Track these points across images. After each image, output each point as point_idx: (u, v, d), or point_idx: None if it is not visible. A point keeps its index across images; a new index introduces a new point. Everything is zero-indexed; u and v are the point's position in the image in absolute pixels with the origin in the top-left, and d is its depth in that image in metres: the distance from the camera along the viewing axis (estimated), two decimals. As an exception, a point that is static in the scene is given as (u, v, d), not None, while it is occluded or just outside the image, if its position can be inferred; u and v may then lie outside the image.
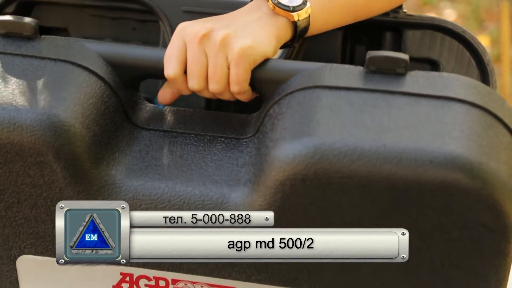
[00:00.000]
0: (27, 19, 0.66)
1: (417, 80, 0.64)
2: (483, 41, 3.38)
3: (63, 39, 0.68)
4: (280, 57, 0.80)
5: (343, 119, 0.60)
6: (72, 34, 0.90)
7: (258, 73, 0.67)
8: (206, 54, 0.67)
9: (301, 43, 0.77)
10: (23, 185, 0.62)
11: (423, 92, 0.62)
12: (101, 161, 0.63)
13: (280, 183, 0.59)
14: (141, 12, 0.87)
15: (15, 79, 0.63)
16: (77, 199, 0.62)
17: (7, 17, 0.66)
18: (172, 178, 0.63)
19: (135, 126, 0.68)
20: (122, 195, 0.62)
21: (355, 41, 0.89)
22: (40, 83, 0.63)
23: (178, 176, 0.63)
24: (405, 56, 0.64)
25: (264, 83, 0.67)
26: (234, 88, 0.67)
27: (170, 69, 0.66)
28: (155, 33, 0.88)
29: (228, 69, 0.67)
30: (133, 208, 0.62)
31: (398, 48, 0.88)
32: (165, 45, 0.86)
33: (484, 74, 0.86)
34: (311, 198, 0.59)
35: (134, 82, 0.69)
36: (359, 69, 0.65)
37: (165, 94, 0.70)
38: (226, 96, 0.68)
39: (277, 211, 0.60)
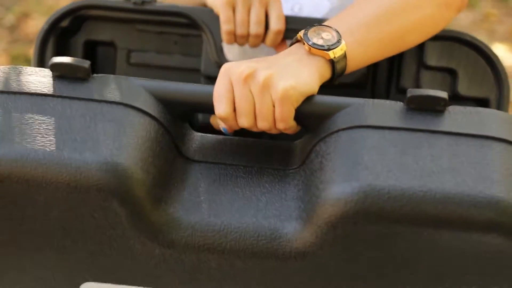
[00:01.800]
0: (81, 62, 0.66)
1: (455, 117, 0.65)
2: None
3: (114, 78, 0.68)
4: None
5: (389, 162, 0.61)
6: (119, 47, 0.94)
7: (302, 108, 0.68)
8: (252, 93, 0.68)
9: None
10: (89, 225, 0.64)
11: (462, 131, 0.63)
12: (160, 201, 0.64)
13: (332, 225, 0.60)
14: (183, 27, 0.92)
15: (74, 123, 0.63)
16: (139, 238, 0.63)
17: (63, 59, 0.66)
18: (226, 213, 0.65)
19: (186, 159, 0.69)
20: (181, 233, 0.64)
21: None
22: (99, 127, 0.63)
23: (232, 211, 0.65)
24: (444, 94, 0.65)
25: (308, 117, 0.68)
26: (280, 125, 0.68)
27: (221, 109, 0.67)
28: (195, 46, 0.93)
29: (274, 107, 0.68)
30: (191, 244, 0.64)
31: (420, 58, 0.91)
32: (207, 57, 0.90)
33: (499, 81, 0.90)
34: (360, 239, 0.61)
35: (183, 116, 0.70)
36: (399, 105, 0.66)
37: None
38: (274, 132, 0.69)
39: (327, 250, 0.62)
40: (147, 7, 0.91)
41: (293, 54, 0.71)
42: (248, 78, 0.67)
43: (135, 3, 0.91)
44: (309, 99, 0.68)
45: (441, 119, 0.64)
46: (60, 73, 0.66)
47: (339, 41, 0.70)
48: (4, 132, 0.62)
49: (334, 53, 0.70)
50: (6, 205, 0.63)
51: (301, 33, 0.71)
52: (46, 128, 0.62)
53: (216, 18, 0.89)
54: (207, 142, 0.71)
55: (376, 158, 0.61)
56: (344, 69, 0.72)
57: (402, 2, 0.78)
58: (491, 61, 0.90)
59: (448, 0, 0.82)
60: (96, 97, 0.65)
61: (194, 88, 0.69)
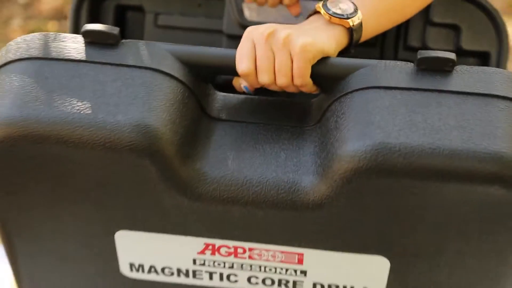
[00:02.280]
0: (111, 29, 0.70)
1: (463, 77, 0.68)
2: None
3: (142, 43, 0.71)
4: None
5: (400, 120, 0.65)
6: (147, 11, 0.99)
7: (318, 68, 0.71)
8: (272, 51, 0.71)
9: None
10: (122, 181, 0.68)
11: (469, 90, 0.67)
12: (187, 158, 0.68)
13: (346, 179, 0.64)
14: None
15: (107, 88, 0.67)
16: (168, 192, 0.68)
17: (94, 27, 0.70)
18: (248, 168, 0.69)
19: (210, 118, 0.73)
20: (207, 187, 0.68)
21: None
22: (129, 91, 0.67)
23: (254, 166, 0.69)
24: (452, 55, 0.68)
25: (324, 78, 0.71)
26: (297, 81, 0.71)
27: (244, 65, 0.71)
28: (217, 8, 0.96)
29: (292, 64, 0.71)
30: (216, 197, 0.69)
31: (426, 16, 0.95)
32: (229, 17, 0.94)
33: (499, 35, 0.94)
34: (372, 192, 0.66)
35: (206, 78, 0.74)
36: (410, 66, 0.69)
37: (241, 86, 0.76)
38: (291, 89, 0.73)
39: (342, 201, 0.67)
40: None
41: (313, 22, 0.74)
42: (270, 36, 0.71)
43: None
44: (325, 60, 0.71)
45: (449, 79, 0.68)
46: (92, 39, 0.70)
47: (356, 11, 0.74)
48: (42, 97, 0.66)
49: (353, 21, 0.73)
50: (47, 164, 0.67)
51: (320, 4, 0.74)
52: (81, 93, 0.66)
53: None
54: (229, 101, 0.75)
55: (388, 118, 0.65)
56: (359, 37, 0.75)
57: None
58: (493, 17, 0.94)
59: None
60: (126, 62, 0.69)
61: (217, 52, 0.73)
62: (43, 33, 0.72)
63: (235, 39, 0.94)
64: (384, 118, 0.65)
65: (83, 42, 0.70)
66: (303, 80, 0.71)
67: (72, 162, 0.67)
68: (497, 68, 0.69)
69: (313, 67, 0.71)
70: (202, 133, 0.71)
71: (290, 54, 0.71)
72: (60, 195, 0.71)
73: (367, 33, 0.76)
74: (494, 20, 0.94)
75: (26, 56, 0.69)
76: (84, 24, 0.95)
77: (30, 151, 0.66)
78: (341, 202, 0.67)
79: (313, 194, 0.67)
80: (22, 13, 3.92)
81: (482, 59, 0.97)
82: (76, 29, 0.98)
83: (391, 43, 0.99)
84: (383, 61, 0.70)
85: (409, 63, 0.70)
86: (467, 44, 0.96)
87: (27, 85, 0.67)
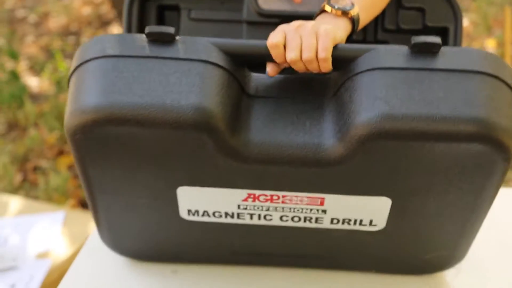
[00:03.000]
0: (168, 29, 0.86)
1: (447, 56, 0.85)
2: (490, 44, 3.81)
3: (193, 40, 0.87)
4: None
5: (400, 95, 0.82)
6: (182, 8, 1.21)
7: (333, 53, 0.88)
8: (301, 38, 0.89)
9: None
10: (185, 149, 0.86)
11: (453, 67, 0.84)
12: (235, 130, 0.86)
13: (361, 141, 0.82)
14: None
15: (171, 78, 0.83)
16: (221, 157, 0.86)
17: (155, 29, 0.85)
18: (282, 135, 0.86)
19: (249, 96, 0.90)
20: (251, 151, 0.86)
21: None
22: (188, 80, 0.83)
23: (286, 133, 0.87)
24: (438, 40, 0.85)
25: (338, 60, 0.88)
26: (321, 54, 0.88)
27: (275, 39, 0.88)
28: (237, 4, 1.19)
29: (317, 44, 0.88)
30: (258, 158, 0.87)
31: (399, 3, 1.20)
32: (248, 7, 1.13)
33: (455, 14, 1.19)
34: (381, 151, 0.84)
35: (244, 63, 0.90)
36: (405, 49, 0.86)
37: (270, 68, 0.92)
38: (314, 65, 0.89)
39: (357, 159, 0.85)
40: None
41: (324, 19, 0.93)
42: (299, 27, 0.89)
43: None
44: (337, 46, 0.88)
45: (437, 59, 0.85)
46: (153, 38, 0.86)
47: (353, 4, 0.93)
48: (120, 87, 0.83)
49: (353, 12, 0.93)
50: (126, 140, 0.84)
51: (325, 3, 0.93)
52: (151, 83, 0.83)
53: None
54: (263, 81, 0.92)
55: (391, 93, 0.82)
56: (358, 26, 0.95)
57: None
58: (449, 0, 1.19)
59: None
60: (183, 56, 0.85)
61: (251, 43, 0.89)
62: (113, 34, 0.87)
63: (253, 25, 1.18)
64: (389, 94, 0.83)
65: (146, 40, 0.87)
66: (327, 53, 0.88)
67: (146, 138, 0.84)
68: (472, 48, 0.87)
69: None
70: (244, 109, 0.88)
71: (316, 38, 0.88)
72: (135, 161, 0.88)
73: (360, 24, 0.96)
74: (449, 1, 1.19)
75: (102, 54, 0.85)
76: (134, 20, 1.14)
77: (114, 131, 0.83)
78: (356, 159, 0.85)
79: (334, 154, 0.85)
80: (34, 31, 4.13)
81: (443, 33, 1.20)
82: (129, 25, 1.19)
83: (372, 26, 1.21)
84: (383, 45, 0.87)
85: (403, 46, 0.87)
86: (430, 21, 1.19)
87: (107, 79, 0.83)
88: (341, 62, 0.88)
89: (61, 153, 2.93)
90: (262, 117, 0.88)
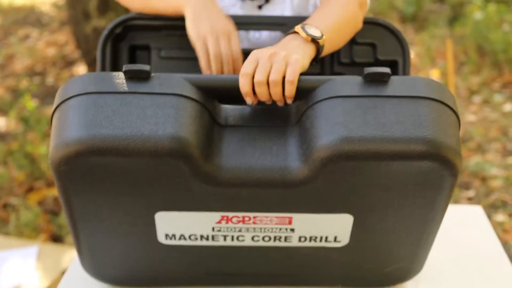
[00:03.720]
0: (144, 67, 0.93)
1: (397, 84, 0.93)
2: (435, 74, 4.11)
3: (166, 76, 0.94)
4: None
5: (357, 120, 0.90)
6: (152, 47, 1.30)
7: (298, 82, 0.96)
8: (271, 64, 0.97)
9: None
10: (161, 176, 0.92)
11: (402, 94, 0.92)
12: (208, 157, 0.92)
13: (323, 163, 0.89)
14: (180, 29, 1.25)
15: (148, 111, 0.90)
16: (196, 182, 0.92)
17: (131, 67, 0.92)
18: (252, 160, 0.93)
19: (220, 125, 0.97)
20: (223, 176, 0.92)
21: None
22: (164, 112, 0.90)
23: (255, 158, 0.94)
24: (387, 70, 0.93)
25: (300, 90, 0.96)
26: (290, 77, 0.96)
27: (247, 69, 0.96)
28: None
29: (285, 69, 0.96)
30: (230, 182, 0.93)
31: (353, 39, 1.30)
32: None
33: (403, 49, 1.30)
34: (341, 171, 0.91)
35: (214, 96, 0.98)
36: (358, 79, 0.94)
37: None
38: (278, 89, 0.96)
39: (320, 179, 0.92)
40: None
41: (294, 40, 1.03)
42: (272, 55, 0.98)
43: None
44: (301, 78, 0.96)
45: (388, 87, 0.93)
46: (130, 76, 0.93)
47: (322, 35, 1.02)
48: (101, 121, 0.89)
49: (322, 42, 1.03)
50: (107, 168, 0.90)
51: (299, 27, 1.03)
52: (129, 116, 0.89)
53: None
54: (232, 111, 0.99)
55: (348, 118, 0.90)
56: (320, 55, 1.02)
57: (347, 15, 1.16)
58: (396, 35, 1.30)
59: (362, 4, 1.22)
60: (158, 91, 0.92)
61: (223, 78, 0.97)
62: (93, 73, 0.94)
63: None
64: (346, 119, 0.90)
65: (124, 78, 0.93)
66: (294, 78, 0.96)
67: (126, 167, 0.90)
68: (419, 76, 0.96)
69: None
70: (216, 138, 0.95)
71: (285, 65, 0.97)
72: (116, 188, 0.94)
73: (324, 52, 1.06)
74: (397, 37, 1.30)
75: (84, 91, 0.92)
76: (108, 60, 1.21)
77: (96, 161, 0.89)
78: (319, 180, 0.92)
79: (299, 175, 0.93)
80: None
81: (393, 65, 1.31)
82: (103, 64, 1.26)
83: (328, 60, 1.32)
84: (340, 76, 0.95)
85: (357, 76, 0.95)
86: (381, 55, 1.30)
87: (89, 113, 0.89)
88: (303, 92, 0.96)
89: (30, 189, 2.96)
90: (232, 144, 0.95)
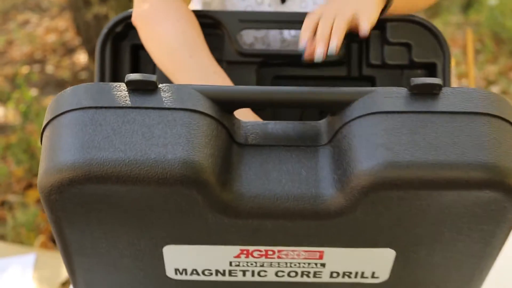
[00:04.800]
0: (149, 77, 0.78)
1: (449, 98, 0.79)
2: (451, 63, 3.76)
3: (176, 87, 0.80)
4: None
5: (403, 141, 0.75)
6: None
7: (328, 96, 0.81)
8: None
9: None
10: (171, 206, 0.78)
11: (456, 109, 0.78)
12: (226, 183, 0.78)
13: (362, 192, 0.75)
14: (208, 27, 1.14)
15: (154, 130, 0.76)
16: (211, 213, 0.78)
17: (135, 77, 0.78)
18: (277, 186, 0.79)
19: (239, 145, 0.82)
20: (243, 205, 0.78)
21: (349, 40, 1.18)
22: (174, 132, 0.75)
23: (281, 184, 0.79)
24: (439, 81, 0.79)
25: (332, 104, 0.81)
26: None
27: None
28: (216, 42, 1.16)
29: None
30: (251, 213, 0.79)
31: (383, 37, 1.16)
32: (227, 50, 1.07)
33: (443, 50, 1.14)
34: (384, 201, 0.77)
35: (231, 110, 0.83)
36: (403, 91, 0.80)
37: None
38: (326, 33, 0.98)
39: (358, 210, 0.78)
40: None
41: None
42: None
43: None
44: (332, 89, 0.81)
45: (438, 101, 0.79)
46: (134, 87, 0.78)
47: None
48: (99, 142, 0.74)
49: None
50: (107, 198, 0.76)
51: None
52: (133, 136, 0.75)
53: (232, 16, 1.13)
54: (252, 128, 0.84)
55: (393, 139, 0.76)
56: (390, 6, 1.02)
57: None
58: (435, 34, 1.14)
59: None
60: (166, 105, 0.77)
61: (237, 88, 0.82)
62: (90, 84, 0.79)
63: (233, 64, 1.16)
64: (391, 140, 0.76)
65: (126, 90, 0.79)
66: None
67: (129, 195, 0.76)
68: (475, 88, 0.81)
69: (323, 93, 0.81)
70: (234, 159, 0.81)
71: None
72: (117, 219, 0.80)
73: (393, 5, 1.04)
74: (436, 36, 1.14)
75: (79, 106, 0.77)
76: (108, 61, 1.07)
77: (93, 189, 0.75)
78: (357, 211, 0.78)
79: (333, 205, 0.78)
80: None
81: (430, 69, 1.16)
82: (102, 67, 1.12)
83: (356, 61, 1.17)
84: (381, 88, 0.81)
85: (402, 88, 0.81)
86: (417, 57, 1.15)
87: (85, 132, 0.75)
88: (336, 106, 0.81)
89: (29, 186, 2.82)
90: (254, 168, 0.81)
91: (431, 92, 0.79)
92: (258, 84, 1.15)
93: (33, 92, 3.67)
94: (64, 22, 4.87)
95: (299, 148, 0.83)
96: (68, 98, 0.78)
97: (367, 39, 1.16)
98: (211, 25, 1.15)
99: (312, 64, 1.15)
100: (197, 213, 0.78)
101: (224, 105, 0.81)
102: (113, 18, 1.12)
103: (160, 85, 0.79)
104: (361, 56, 1.18)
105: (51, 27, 4.82)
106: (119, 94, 0.78)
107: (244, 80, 1.14)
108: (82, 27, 3.59)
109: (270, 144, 0.83)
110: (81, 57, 4.22)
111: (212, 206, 0.77)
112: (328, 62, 1.16)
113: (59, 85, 3.87)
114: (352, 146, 0.78)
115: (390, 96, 0.79)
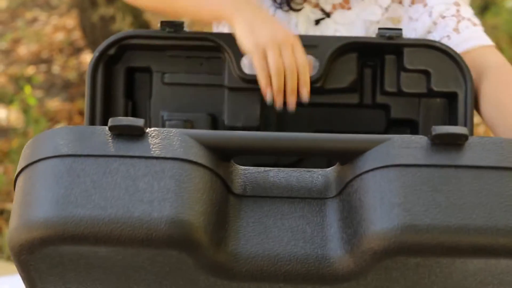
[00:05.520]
0: (136, 121, 0.69)
1: (475, 150, 0.69)
2: None
3: (166, 132, 0.71)
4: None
5: (423, 200, 0.66)
6: (154, 71, 1.07)
7: (336, 144, 0.72)
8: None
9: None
10: (158, 268, 0.69)
11: (484, 163, 0.68)
12: (220, 242, 0.69)
13: (374, 256, 0.66)
14: (208, 50, 1.05)
15: (139, 183, 0.67)
16: (203, 275, 0.69)
17: (119, 121, 0.69)
18: (278, 245, 0.70)
19: (236, 196, 0.73)
20: (240, 267, 0.69)
21: (362, 65, 1.08)
22: (161, 185, 0.66)
23: (283, 243, 0.70)
24: (464, 131, 0.70)
25: (342, 152, 0.72)
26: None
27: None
28: (217, 66, 1.07)
29: None
30: (248, 275, 0.70)
31: (399, 64, 1.06)
32: (230, 73, 0.99)
33: (465, 78, 1.03)
34: (399, 267, 0.68)
35: (229, 157, 0.74)
36: (424, 141, 0.70)
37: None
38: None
39: (369, 276, 0.69)
40: (180, 34, 1.03)
41: None
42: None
43: (169, 31, 1.03)
44: (343, 136, 0.72)
45: (463, 153, 0.69)
46: (118, 132, 0.69)
47: None
48: (76, 196, 0.66)
49: None
50: (84, 258, 0.68)
51: None
52: (115, 190, 0.66)
53: (235, 41, 1.02)
54: (251, 176, 0.75)
55: (412, 198, 0.66)
56: None
57: None
58: (457, 61, 1.03)
59: None
60: (154, 154, 0.69)
61: (237, 134, 0.73)
62: (70, 126, 0.71)
63: (236, 91, 1.06)
64: (408, 199, 0.67)
65: (110, 135, 0.70)
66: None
67: (109, 256, 0.67)
68: (504, 138, 0.71)
69: (332, 141, 0.72)
70: (231, 213, 0.72)
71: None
72: (97, 281, 0.71)
73: None
74: (458, 64, 1.03)
75: (56, 154, 0.68)
76: (99, 87, 1.01)
77: (68, 250, 0.66)
78: (369, 276, 0.69)
79: (342, 269, 0.69)
80: (3, 59, 3.97)
81: (451, 98, 1.05)
82: (93, 92, 1.03)
83: (369, 89, 1.08)
84: (397, 136, 0.71)
85: (421, 137, 0.71)
86: (437, 86, 1.05)
87: (61, 185, 0.66)
88: (347, 155, 0.72)
89: (29, 194, 2.74)
90: (253, 223, 0.72)
91: (456, 142, 0.70)
92: (262, 112, 1.06)
93: (38, 94, 3.59)
94: (72, 20, 4.79)
95: (304, 201, 0.74)
96: (45, 143, 0.70)
97: (382, 65, 1.08)
98: (212, 48, 1.06)
99: (321, 91, 1.06)
100: (187, 275, 0.69)
101: (221, 152, 0.72)
102: (105, 40, 1.03)
103: (148, 130, 0.71)
104: (375, 83, 1.08)
105: (59, 25, 4.74)
106: (102, 139, 0.69)
107: (248, 108, 1.05)
108: (88, 28, 3.52)
109: (271, 196, 0.74)
110: (88, 57, 4.15)
111: (204, 268, 0.68)
112: (339, 88, 1.07)
113: (65, 86, 3.81)
114: (365, 203, 0.68)
115: (408, 146, 0.70)
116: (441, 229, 0.65)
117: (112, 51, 1.03)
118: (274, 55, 0.97)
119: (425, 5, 1.10)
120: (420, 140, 0.71)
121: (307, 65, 0.99)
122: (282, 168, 0.77)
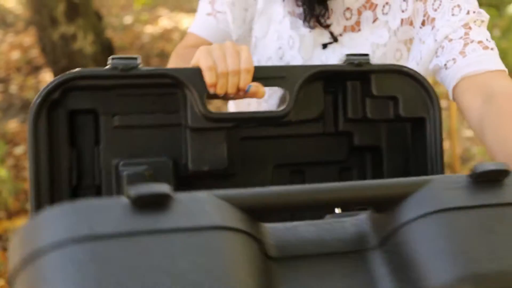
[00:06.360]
0: (161, 188, 0.58)
1: None
2: None
3: (193, 196, 0.61)
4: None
5: (483, 244, 0.62)
6: (101, 113, 0.94)
7: (374, 192, 0.66)
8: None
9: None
10: None
11: None
12: None
13: None
14: (163, 87, 0.95)
15: (177, 259, 0.57)
16: None
17: (142, 191, 0.57)
18: None
19: (272, 260, 0.65)
20: None
21: (324, 92, 1.03)
22: (202, 258, 0.57)
23: None
24: (506, 166, 0.66)
25: (382, 198, 0.67)
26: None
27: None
28: (172, 104, 0.96)
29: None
30: None
31: (364, 90, 1.03)
32: (192, 109, 0.95)
33: (432, 103, 1.01)
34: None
35: (261, 217, 0.65)
36: (465, 180, 0.66)
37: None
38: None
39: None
40: (134, 72, 0.91)
41: None
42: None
43: (122, 70, 0.91)
44: (382, 181, 0.66)
45: (505, 189, 0.66)
46: (142, 204, 0.58)
47: None
48: (103, 284, 0.54)
49: None
50: None
51: None
52: (153, 275, 0.55)
53: (198, 75, 0.93)
54: (283, 235, 0.67)
55: (471, 243, 0.62)
56: None
57: None
58: (425, 87, 1.02)
59: None
60: (189, 224, 0.58)
61: (268, 191, 0.64)
62: (73, 204, 0.57)
63: (201, 132, 0.95)
64: (468, 245, 0.62)
65: (131, 207, 0.58)
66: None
67: None
68: None
69: (370, 188, 0.66)
70: (271, 280, 0.63)
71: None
72: None
73: None
74: (426, 88, 1.01)
75: (70, 238, 0.56)
76: (43, 132, 0.90)
77: None
78: None
79: None
80: None
81: (417, 123, 1.03)
82: (36, 141, 0.90)
83: (330, 116, 1.03)
84: (437, 177, 0.67)
85: (462, 175, 0.67)
86: (404, 111, 1.02)
87: (88, 277, 0.54)
88: (386, 203, 0.66)
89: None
90: (293, 286, 0.64)
91: (497, 179, 0.66)
92: (229, 149, 0.97)
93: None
94: (29, 38, 4.46)
95: (344, 256, 0.67)
96: (49, 227, 0.57)
97: (344, 92, 1.03)
98: (167, 85, 0.95)
99: (285, 123, 0.99)
100: None
101: (254, 212, 0.63)
102: (47, 84, 0.89)
103: (176, 196, 0.60)
104: (337, 111, 1.04)
105: (16, 43, 4.41)
106: (121, 213, 0.58)
107: (214, 150, 0.95)
108: (49, 47, 3.32)
109: (308, 254, 0.66)
110: (47, 76, 3.85)
111: None
112: (304, 120, 1.01)
113: (24, 106, 3.54)
114: (415, 255, 0.63)
115: (451, 188, 0.66)
116: (509, 275, 0.61)
117: (56, 95, 0.90)
118: (219, 55, 0.94)
119: (433, 27, 1.07)
120: (460, 179, 0.67)
121: (252, 63, 0.95)
122: (309, 222, 0.69)
